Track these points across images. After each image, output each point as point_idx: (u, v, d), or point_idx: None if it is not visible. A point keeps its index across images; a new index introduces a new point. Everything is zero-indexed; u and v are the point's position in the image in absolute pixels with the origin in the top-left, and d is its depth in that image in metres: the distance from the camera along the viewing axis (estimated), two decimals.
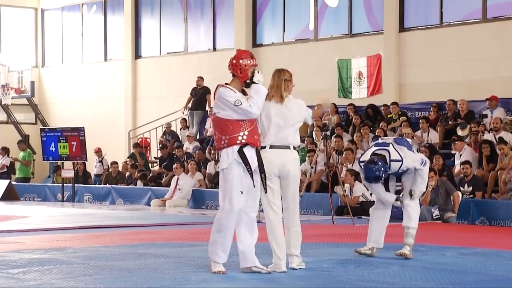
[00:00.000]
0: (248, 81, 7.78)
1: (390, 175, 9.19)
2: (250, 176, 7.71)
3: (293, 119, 8.10)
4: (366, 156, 9.11)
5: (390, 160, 8.89)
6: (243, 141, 7.67)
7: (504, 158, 15.92)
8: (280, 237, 8.05)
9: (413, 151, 9.21)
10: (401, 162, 8.91)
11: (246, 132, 7.69)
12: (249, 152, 7.72)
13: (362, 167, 9.08)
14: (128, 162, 23.16)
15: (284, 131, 8.05)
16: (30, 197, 23.55)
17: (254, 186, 7.75)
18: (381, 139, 9.40)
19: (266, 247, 9.70)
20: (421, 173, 9.09)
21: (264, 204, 8.13)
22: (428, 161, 9.23)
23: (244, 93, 7.80)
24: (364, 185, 13.14)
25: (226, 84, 7.84)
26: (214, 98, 7.83)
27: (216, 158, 19.62)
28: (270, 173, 7.99)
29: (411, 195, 9.16)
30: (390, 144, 9.04)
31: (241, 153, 7.67)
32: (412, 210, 9.20)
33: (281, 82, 8.08)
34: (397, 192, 9.25)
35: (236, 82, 7.81)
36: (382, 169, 8.88)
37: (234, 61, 7.80)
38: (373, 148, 9.15)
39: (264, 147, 8.06)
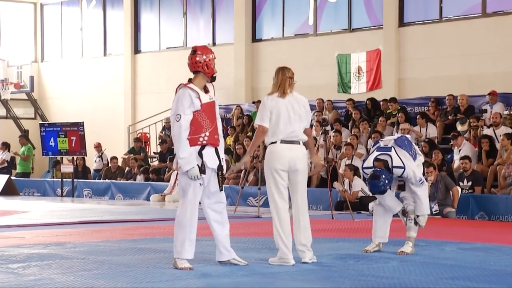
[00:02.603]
0: (214, 75, 7.84)
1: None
2: (218, 173, 7.81)
3: (301, 112, 8.22)
4: (369, 162, 9.09)
5: (392, 166, 8.89)
6: (204, 142, 7.73)
7: (504, 153, 15.95)
8: (288, 226, 8.11)
9: (414, 151, 9.17)
10: (403, 169, 8.89)
11: (207, 133, 7.75)
12: (211, 152, 7.79)
13: (367, 180, 9.11)
14: (127, 158, 23.21)
15: (293, 125, 8.16)
16: (30, 192, 23.60)
17: (220, 185, 7.86)
18: (382, 141, 9.34)
19: (267, 242, 9.74)
20: (420, 197, 9.10)
21: (272, 194, 8.16)
22: (426, 183, 9.21)
23: (206, 89, 7.83)
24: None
25: (189, 81, 7.84)
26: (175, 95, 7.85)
27: None
28: (280, 168, 8.11)
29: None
30: (392, 148, 8.99)
31: (200, 156, 7.72)
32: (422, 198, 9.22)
33: (285, 79, 8.21)
34: (400, 187, 9.23)
35: (199, 79, 7.82)
36: (387, 181, 8.89)
37: (198, 58, 7.78)
38: (375, 153, 9.10)
39: (275, 142, 8.16)
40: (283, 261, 8.06)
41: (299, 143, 8.21)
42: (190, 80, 7.85)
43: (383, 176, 8.87)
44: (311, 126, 19.40)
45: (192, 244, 7.75)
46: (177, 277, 7.19)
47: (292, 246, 8.12)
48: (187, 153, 7.65)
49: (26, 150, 25.04)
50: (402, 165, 8.87)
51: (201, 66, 7.76)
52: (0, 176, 23.14)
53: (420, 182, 9.02)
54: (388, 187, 8.96)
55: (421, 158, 9.34)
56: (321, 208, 16.82)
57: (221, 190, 7.90)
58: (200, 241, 9.96)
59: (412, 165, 8.96)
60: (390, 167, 8.89)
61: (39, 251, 9.14)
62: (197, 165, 7.70)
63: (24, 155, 24.94)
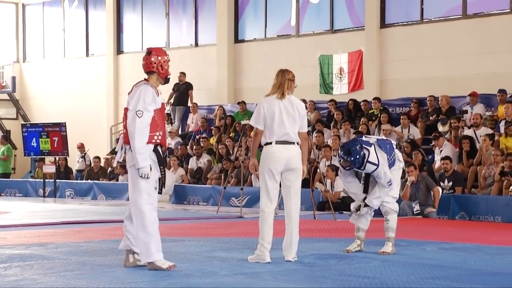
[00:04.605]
0: (168, 76, 7.88)
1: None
2: (163, 176, 7.79)
3: (295, 115, 8.32)
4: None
5: (367, 161, 8.96)
6: (158, 141, 7.72)
7: (486, 153, 16.05)
8: (271, 227, 8.27)
9: (394, 157, 9.23)
10: (376, 167, 8.97)
11: (161, 133, 7.75)
12: (161, 152, 7.78)
13: (340, 150, 9.13)
14: (109, 158, 23.19)
15: (286, 128, 8.28)
16: (11, 193, 23.54)
17: (160, 189, 7.81)
18: (366, 137, 9.43)
19: (249, 242, 9.78)
20: (390, 193, 9.21)
21: (262, 195, 8.34)
22: (394, 186, 9.26)
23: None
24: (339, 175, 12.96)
25: (146, 81, 7.81)
26: (131, 91, 7.82)
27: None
28: (276, 168, 8.26)
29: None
30: (373, 145, 9.07)
31: (157, 152, 7.71)
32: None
33: (284, 81, 8.32)
34: (364, 190, 9.32)
35: (154, 80, 7.84)
36: (356, 162, 8.92)
37: (152, 59, 7.81)
38: None
39: (270, 143, 8.29)
40: (258, 258, 8.22)
41: (294, 143, 8.34)
42: (145, 80, 7.85)
43: (356, 157, 8.88)
44: None
45: (158, 246, 7.66)
46: (159, 278, 7.20)
47: (271, 246, 8.26)
48: (146, 150, 7.60)
49: (5, 150, 24.96)
50: (377, 163, 8.94)
51: (155, 67, 7.81)
52: None
53: (389, 184, 9.08)
54: (353, 168, 9.04)
55: (400, 164, 9.40)
56: (303, 208, 16.70)
57: (159, 193, 7.87)
58: (183, 241, 10.10)
59: (386, 167, 9.03)
60: (365, 161, 8.95)
61: (21, 252, 9.14)
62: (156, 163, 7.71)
63: (4, 155, 24.84)
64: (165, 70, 7.84)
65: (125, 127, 7.81)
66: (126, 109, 7.80)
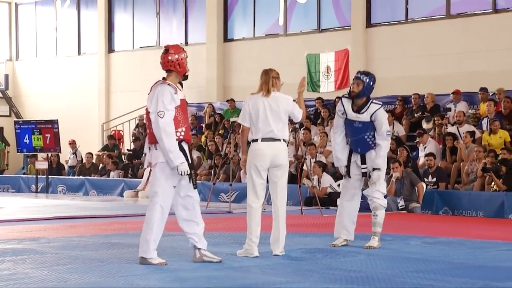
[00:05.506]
0: (186, 74, 7.95)
1: (354, 162, 9.44)
2: (191, 171, 7.79)
3: (280, 112, 8.45)
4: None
5: (372, 101, 9.17)
6: (181, 137, 7.74)
7: (466, 150, 16.31)
8: (258, 223, 8.45)
9: None
10: (380, 106, 9.16)
11: (183, 129, 7.79)
12: (186, 148, 7.80)
13: (357, 73, 9.29)
14: (101, 155, 23.37)
15: (271, 125, 8.41)
16: (4, 188, 23.62)
17: (194, 183, 7.83)
18: None
19: (238, 237, 9.91)
20: (381, 148, 9.26)
21: (249, 192, 8.50)
22: (389, 135, 9.41)
23: (178, 87, 7.92)
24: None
25: (164, 79, 7.87)
26: (150, 93, 7.85)
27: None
28: (262, 165, 8.42)
29: (369, 176, 9.37)
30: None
31: (181, 149, 7.74)
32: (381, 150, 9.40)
33: (269, 79, 8.47)
34: (364, 175, 9.40)
35: (173, 77, 7.86)
36: (367, 91, 9.12)
37: (170, 57, 7.84)
38: None
39: (256, 140, 8.44)
40: (247, 252, 8.40)
41: (280, 140, 8.47)
42: (164, 79, 7.86)
43: (370, 83, 9.11)
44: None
45: (155, 244, 7.79)
46: (150, 271, 7.27)
47: (259, 241, 8.44)
48: (176, 147, 7.66)
49: None
50: (380, 103, 9.19)
51: (173, 65, 7.81)
52: None
53: (387, 133, 9.21)
54: (368, 86, 9.18)
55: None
56: (291, 203, 16.87)
57: (195, 188, 7.87)
58: (173, 236, 9.99)
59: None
60: (370, 101, 9.17)
61: (14, 246, 9.17)
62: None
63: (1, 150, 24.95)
64: (183, 67, 7.83)
65: (148, 127, 7.85)
66: (147, 111, 7.84)
